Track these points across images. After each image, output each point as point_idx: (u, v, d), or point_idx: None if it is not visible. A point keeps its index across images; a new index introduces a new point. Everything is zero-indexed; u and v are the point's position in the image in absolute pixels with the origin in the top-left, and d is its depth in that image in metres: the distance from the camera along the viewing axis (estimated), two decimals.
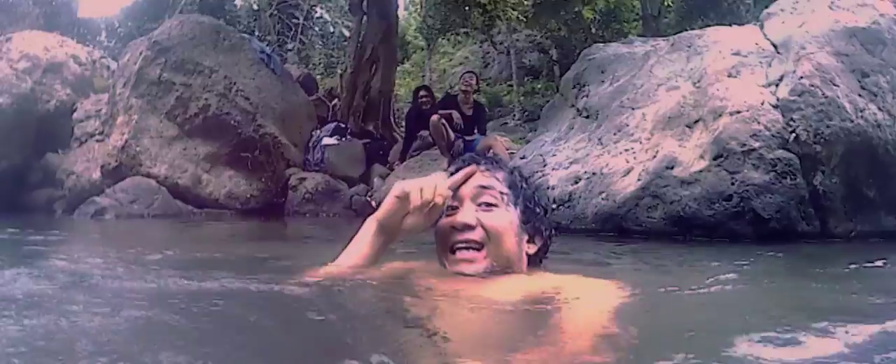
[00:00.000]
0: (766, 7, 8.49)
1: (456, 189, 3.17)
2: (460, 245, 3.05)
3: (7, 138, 13.57)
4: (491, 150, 12.21)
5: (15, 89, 13.88)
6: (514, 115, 24.04)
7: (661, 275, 4.55)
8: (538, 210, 3.22)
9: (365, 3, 16.79)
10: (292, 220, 12.53)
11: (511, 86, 25.76)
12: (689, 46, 8.35)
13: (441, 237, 3.12)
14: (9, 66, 14.41)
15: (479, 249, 3.01)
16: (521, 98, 24.73)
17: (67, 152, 14.49)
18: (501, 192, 3.06)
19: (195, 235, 9.53)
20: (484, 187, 3.05)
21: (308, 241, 8.41)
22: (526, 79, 26.22)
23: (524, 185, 3.19)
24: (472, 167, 3.15)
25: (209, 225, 11.09)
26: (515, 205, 3.10)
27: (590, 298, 2.77)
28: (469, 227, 3.01)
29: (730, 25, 8.87)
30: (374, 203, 12.45)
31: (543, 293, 2.82)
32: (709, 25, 9.01)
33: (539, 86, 25.06)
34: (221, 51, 13.93)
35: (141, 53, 13.52)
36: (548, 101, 12.58)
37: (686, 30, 10.09)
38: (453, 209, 3.12)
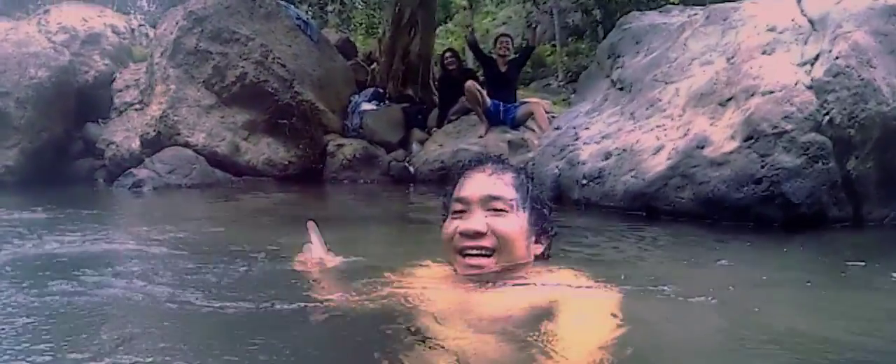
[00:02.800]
0: None
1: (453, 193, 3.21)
2: (471, 251, 3.07)
3: (48, 110, 13.65)
4: (533, 118, 12.16)
5: (53, 62, 13.93)
6: (557, 76, 23.88)
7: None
8: (545, 210, 3.22)
9: None
10: (330, 188, 12.53)
11: (554, 46, 25.58)
12: (725, 20, 8.14)
13: (449, 240, 3.14)
14: (47, 39, 14.48)
15: (489, 255, 3.05)
16: (565, 58, 24.55)
17: (107, 122, 14.59)
18: (511, 199, 3.05)
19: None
20: (494, 197, 3.06)
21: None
22: (569, 39, 26.02)
23: (531, 186, 3.19)
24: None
25: (248, 197, 11.10)
26: (523, 208, 3.10)
27: (586, 313, 2.76)
28: (479, 235, 3.03)
29: None
30: (412, 169, 12.44)
31: (547, 304, 2.80)
32: None
33: (583, 46, 24.85)
34: (257, 19, 13.95)
35: (177, 23, 13.57)
36: (591, 62, 12.48)
37: None
38: (460, 213, 3.13)
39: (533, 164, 8.87)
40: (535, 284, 3.01)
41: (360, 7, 24.81)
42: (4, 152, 13.08)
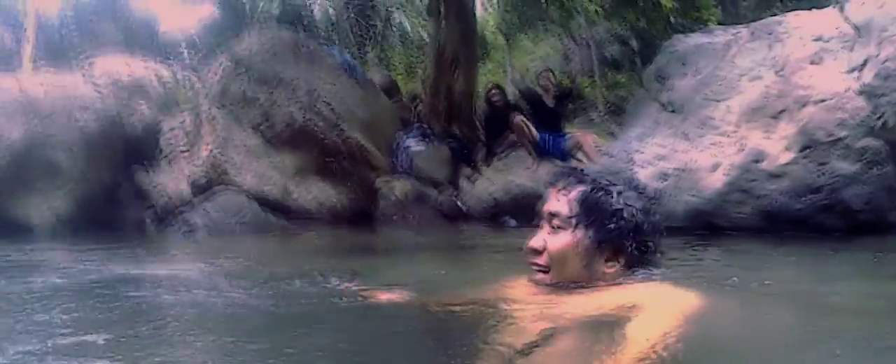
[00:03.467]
0: None
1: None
2: (533, 265, 3.10)
3: (96, 157, 13.76)
4: (582, 150, 12.13)
5: (100, 110, 14.06)
6: (598, 109, 23.86)
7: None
8: (615, 226, 3.13)
9: (442, 5, 16.72)
10: (382, 228, 12.50)
11: (593, 79, 25.57)
12: (770, 34, 8.25)
13: (525, 254, 3.19)
14: (93, 89, 14.60)
15: (546, 272, 3.10)
16: (604, 91, 24.52)
17: (156, 168, 14.64)
18: (568, 217, 3.05)
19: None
20: (552, 214, 3.07)
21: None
22: (608, 71, 26.02)
23: (601, 202, 3.13)
24: None
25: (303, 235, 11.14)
26: (586, 226, 3.06)
27: (647, 318, 2.74)
28: (536, 252, 3.07)
29: (809, 9, 8.66)
30: (463, 206, 12.42)
31: (611, 309, 2.85)
32: (788, 9, 8.80)
33: (622, 78, 24.83)
34: (301, 61, 14.02)
35: (223, 69, 13.69)
36: (631, 94, 12.46)
37: (765, 14, 9.88)
38: (536, 227, 3.16)
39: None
40: (602, 290, 3.06)
41: (398, 49, 24.95)
42: (54, 199, 13.19)
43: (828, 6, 8.46)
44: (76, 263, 6.57)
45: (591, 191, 3.16)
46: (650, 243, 3.29)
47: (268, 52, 13.82)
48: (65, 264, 6.77)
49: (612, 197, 3.20)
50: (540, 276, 3.16)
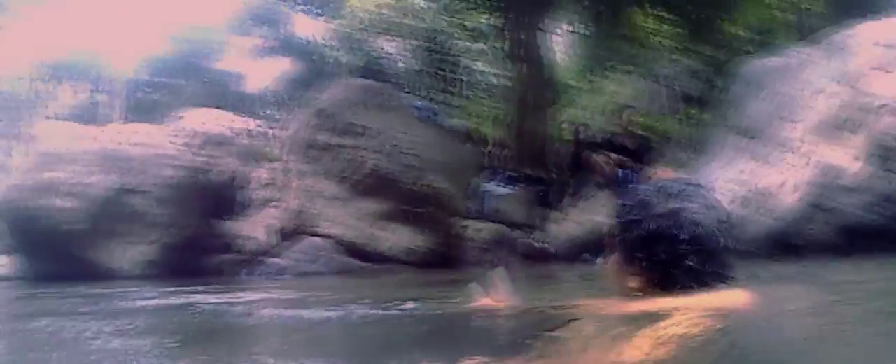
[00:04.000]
0: None
1: None
2: None
3: (184, 209, 14.01)
4: None
5: (188, 163, 14.32)
6: (683, 147, 23.65)
7: None
8: (638, 238, 3.07)
9: (521, 50, 16.81)
10: (469, 270, 12.52)
11: (677, 117, 25.36)
12: (842, 48, 8.20)
13: None
14: (181, 143, 14.88)
15: None
16: (686, 129, 24.29)
17: (243, 219, 14.84)
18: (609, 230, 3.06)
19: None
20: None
21: None
22: (691, 109, 25.77)
23: (635, 218, 3.05)
24: None
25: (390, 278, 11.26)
26: (619, 239, 3.04)
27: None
28: None
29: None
30: (549, 247, 12.41)
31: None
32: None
33: (703, 114, 24.60)
34: (384, 111, 14.21)
35: (307, 121, 13.87)
36: (712, 128, 12.38)
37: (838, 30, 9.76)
38: None
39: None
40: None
41: (483, 100, 25.03)
42: (145, 248, 13.41)
43: (881, 20, 8.35)
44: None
45: (624, 205, 3.14)
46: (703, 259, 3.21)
47: (349, 102, 14.02)
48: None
49: (643, 212, 3.16)
50: None
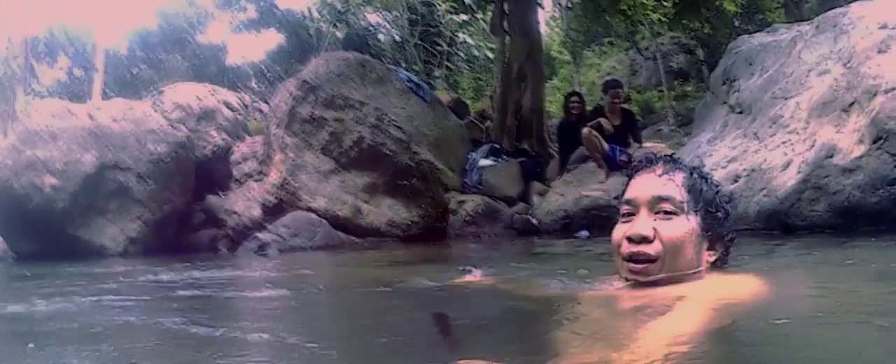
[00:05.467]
0: None
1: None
2: (637, 257, 2.88)
3: (169, 184, 13.88)
4: None
5: (171, 138, 14.17)
6: (668, 121, 23.66)
7: None
8: (720, 214, 3.00)
9: (506, 23, 16.69)
10: (455, 243, 12.42)
11: (661, 91, 25.38)
12: (835, 26, 8.14)
13: (617, 247, 2.97)
14: (164, 118, 14.74)
15: (653, 262, 2.84)
16: (673, 103, 24.33)
17: (227, 193, 14.72)
18: (680, 201, 2.87)
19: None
20: (662, 198, 2.86)
21: None
22: (675, 82, 25.81)
23: (705, 188, 2.98)
24: None
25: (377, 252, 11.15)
26: (696, 211, 2.89)
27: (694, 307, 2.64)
28: (646, 240, 2.84)
29: None
30: (535, 220, 12.33)
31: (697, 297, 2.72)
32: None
33: (690, 88, 24.65)
34: (369, 83, 14.06)
35: (291, 93, 13.70)
36: (700, 103, 12.31)
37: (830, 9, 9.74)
38: (629, 216, 2.95)
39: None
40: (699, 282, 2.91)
41: (465, 72, 24.96)
42: (127, 224, 13.27)
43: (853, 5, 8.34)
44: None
45: (695, 176, 3.03)
46: (735, 235, 3.18)
47: (334, 74, 13.85)
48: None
49: (714, 184, 3.08)
50: (642, 267, 2.96)
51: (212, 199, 14.58)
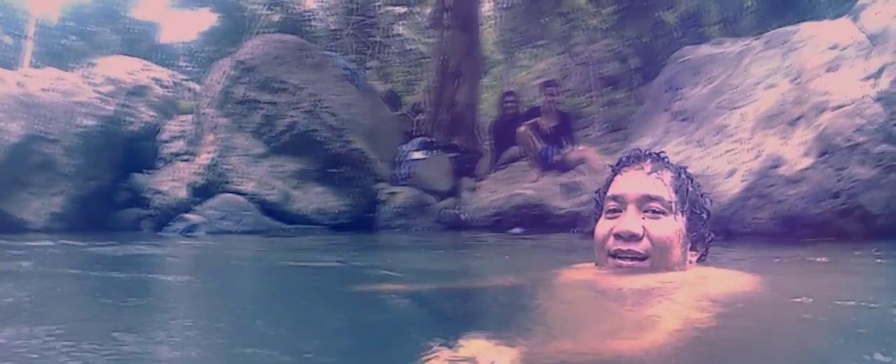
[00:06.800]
0: (845, 3, 8.41)
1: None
2: (623, 254, 2.91)
3: (95, 159, 13.71)
4: (585, 163, 12.06)
5: (101, 112, 13.99)
6: (595, 127, 23.77)
7: None
8: (704, 215, 3.06)
9: (446, 17, 16.66)
10: (384, 234, 12.37)
11: (591, 97, 25.49)
12: (785, 43, 8.43)
13: (603, 242, 3.00)
14: (94, 91, 14.50)
15: (642, 260, 2.88)
16: (602, 108, 24.42)
17: (154, 172, 14.53)
18: (669, 201, 2.90)
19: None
20: (651, 197, 2.90)
21: None
22: (606, 89, 25.93)
23: (690, 188, 3.03)
24: None
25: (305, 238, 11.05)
26: (682, 211, 2.93)
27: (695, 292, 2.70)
28: (635, 237, 2.87)
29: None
30: (463, 216, 12.33)
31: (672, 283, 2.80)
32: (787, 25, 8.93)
33: (619, 96, 24.77)
34: (306, 68, 13.93)
35: (225, 73, 13.56)
36: (628, 111, 12.44)
37: (766, 31, 9.96)
38: (615, 212, 2.97)
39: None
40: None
41: (398, 64, 24.88)
42: (51, 199, 13.12)
43: (824, 21, 8.55)
44: None
45: (683, 176, 3.06)
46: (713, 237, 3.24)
47: (272, 57, 13.69)
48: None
49: (693, 183, 3.11)
50: (631, 264, 2.96)
51: (138, 178, 14.39)
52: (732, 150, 7.54)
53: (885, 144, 6.36)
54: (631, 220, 2.93)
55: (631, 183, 3.01)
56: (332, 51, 15.35)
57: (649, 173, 3.00)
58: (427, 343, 1.92)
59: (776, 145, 7.09)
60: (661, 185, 2.96)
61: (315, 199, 13.13)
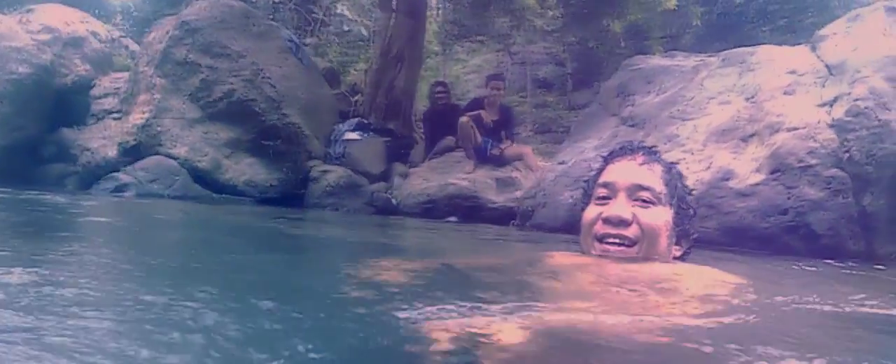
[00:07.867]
0: (785, 35, 8.68)
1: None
2: (612, 240, 2.95)
3: (24, 109, 13.42)
4: (522, 159, 12.10)
5: (35, 59, 13.69)
6: (526, 126, 23.90)
7: None
8: (690, 212, 3.11)
9: (395, 1, 16.59)
10: (314, 213, 12.28)
11: (524, 97, 25.61)
12: (742, 63, 8.66)
13: (590, 226, 3.03)
14: (29, 37, 14.19)
15: (630, 246, 2.92)
16: (534, 109, 24.56)
17: (83, 128, 14.26)
18: (659, 192, 2.95)
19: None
20: (643, 186, 2.94)
21: None
22: (539, 90, 26.08)
23: (679, 184, 3.10)
24: None
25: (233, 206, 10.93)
26: (671, 204, 2.99)
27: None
28: (624, 223, 2.91)
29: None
30: (395, 201, 12.31)
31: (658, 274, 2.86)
32: (724, 50, 9.21)
33: (551, 98, 24.93)
34: (250, 36, 13.78)
35: (168, 32, 13.36)
36: (558, 114, 12.52)
37: (704, 51, 10.25)
38: (604, 199, 3.00)
39: (544, 194, 9.00)
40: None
41: (335, 44, 24.76)
42: None
43: (784, 47, 8.79)
44: None
45: (673, 171, 3.10)
46: (698, 234, 3.28)
47: (217, 21, 13.53)
48: None
49: (682, 179, 3.15)
50: (621, 249, 2.99)
51: (66, 133, 14.10)
52: (683, 159, 7.63)
53: (835, 169, 6.62)
54: (621, 206, 3.01)
55: (623, 171, 3.08)
56: (272, 22, 15.17)
57: (641, 164, 3.08)
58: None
59: (727, 159, 7.29)
60: (652, 176, 3.03)
61: (247, 169, 13.01)
